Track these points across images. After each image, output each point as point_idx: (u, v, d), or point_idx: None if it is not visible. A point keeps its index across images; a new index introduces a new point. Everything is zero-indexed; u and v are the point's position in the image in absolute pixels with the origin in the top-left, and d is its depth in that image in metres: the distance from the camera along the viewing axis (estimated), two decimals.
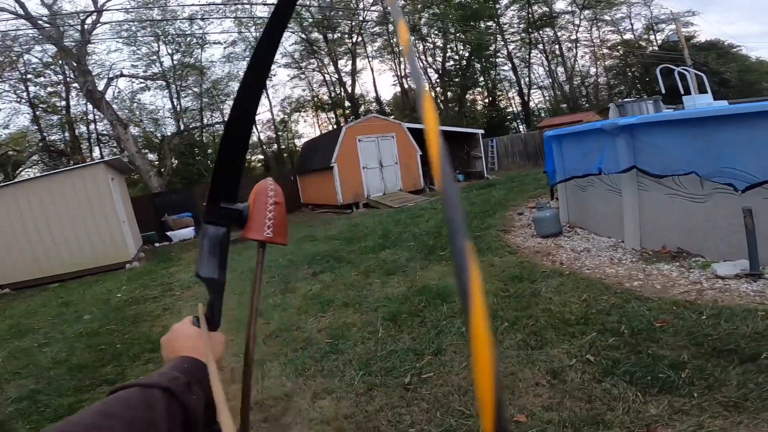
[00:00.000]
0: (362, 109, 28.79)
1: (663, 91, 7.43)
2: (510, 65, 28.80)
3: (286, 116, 29.17)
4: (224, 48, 24.35)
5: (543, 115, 29.59)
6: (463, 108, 28.05)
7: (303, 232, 10.17)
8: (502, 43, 28.06)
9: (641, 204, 4.72)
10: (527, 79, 29.40)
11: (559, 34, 28.04)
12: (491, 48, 27.61)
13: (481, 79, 28.84)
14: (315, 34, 26.94)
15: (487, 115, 27.26)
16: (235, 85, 25.53)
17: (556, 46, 28.44)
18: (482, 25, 26.62)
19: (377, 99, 30.03)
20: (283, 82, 35.67)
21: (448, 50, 27.73)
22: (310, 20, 25.81)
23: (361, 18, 26.17)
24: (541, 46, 28.52)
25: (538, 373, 2.66)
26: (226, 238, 0.65)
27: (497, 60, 28.29)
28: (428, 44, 28.32)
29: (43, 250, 8.81)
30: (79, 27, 15.96)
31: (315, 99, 29.15)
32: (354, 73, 27.80)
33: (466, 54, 27.71)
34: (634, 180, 4.68)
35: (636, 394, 2.28)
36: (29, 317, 5.93)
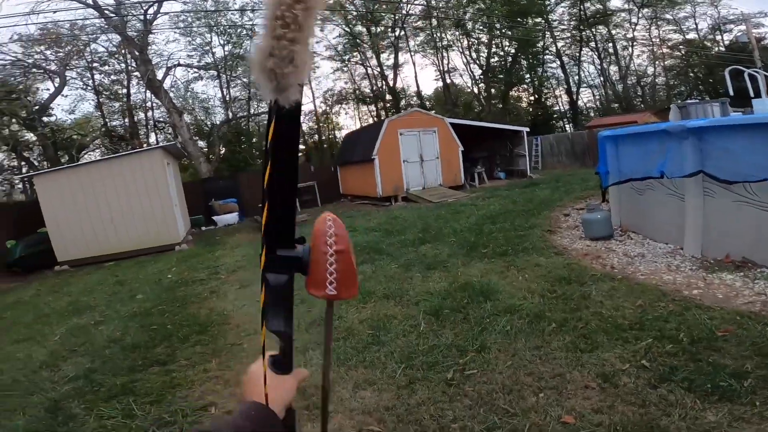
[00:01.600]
0: (403, 102, 28.71)
1: (731, 93, 6.92)
2: (558, 63, 27.76)
3: (328, 108, 29.60)
4: None
5: (592, 114, 28.35)
6: (507, 105, 27.32)
7: (343, 222, 10.28)
8: (551, 40, 27.06)
9: (706, 210, 4.41)
10: (576, 78, 28.22)
11: (613, 32, 26.66)
12: (539, 45, 26.66)
13: (527, 76, 27.94)
14: (359, 27, 27.06)
15: (532, 113, 26.41)
16: None
17: (610, 45, 27.07)
18: (530, 22, 25.71)
19: (418, 93, 29.84)
20: (325, 75, 36.08)
21: (493, 46, 27.03)
22: (354, 13, 25.94)
23: (404, 12, 26.00)
24: (593, 44, 27.23)
25: (588, 375, 2.60)
26: (289, 286, 0.59)
27: (545, 57, 27.29)
28: (473, 40, 27.73)
29: (102, 230, 9.42)
30: (141, 17, 16.83)
31: (356, 92, 29.35)
32: (396, 66, 27.75)
33: (512, 50, 26.92)
34: (700, 185, 4.38)
35: (694, 401, 2.20)
36: (87, 295, 6.32)
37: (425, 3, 25.78)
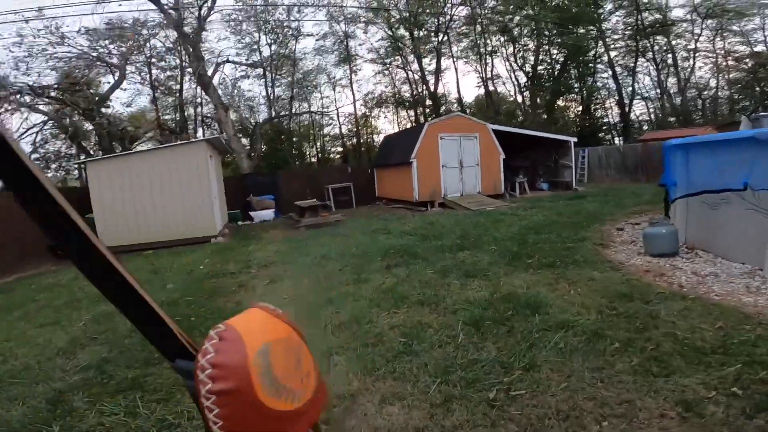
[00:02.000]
0: (443, 108, 28.30)
1: None
2: (611, 73, 26.41)
3: (367, 111, 29.62)
4: (316, 40, 25.38)
5: (645, 128, 26.78)
6: (553, 114, 26.29)
7: (377, 224, 10.05)
8: (603, 49, 25.83)
9: None
10: (630, 89, 26.76)
11: (674, 42, 25.10)
12: (590, 53, 25.50)
13: (576, 85, 26.76)
14: (401, 31, 26.97)
15: (578, 123, 25.19)
16: (323, 78, 26.62)
17: (669, 55, 25.50)
18: (582, 30, 24.63)
19: (459, 100, 29.30)
20: (366, 78, 36.33)
21: (541, 53, 26.12)
22: (397, 17, 25.85)
23: (448, 17, 25.66)
24: (649, 54, 25.76)
25: (665, 403, 2.26)
26: None
27: (596, 66, 26.05)
28: (519, 46, 26.93)
29: (143, 218, 9.63)
30: (196, 13, 17.45)
31: (396, 96, 29.22)
32: (438, 71, 27.38)
33: (561, 58, 25.91)
34: None
35: None
36: None
37: (470, 8, 25.34)
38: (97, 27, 17.08)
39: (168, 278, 6.26)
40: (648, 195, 10.97)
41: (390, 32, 26.50)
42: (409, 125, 30.18)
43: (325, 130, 29.13)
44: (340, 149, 29.49)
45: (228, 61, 20.78)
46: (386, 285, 4.79)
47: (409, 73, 28.01)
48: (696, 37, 24.74)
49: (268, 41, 23.33)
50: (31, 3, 23.37)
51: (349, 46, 26.56)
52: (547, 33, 24.41)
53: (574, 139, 15.16)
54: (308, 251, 7.29)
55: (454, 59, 27.86)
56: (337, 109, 28.01)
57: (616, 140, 27.43)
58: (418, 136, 12.53)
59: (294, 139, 24.86)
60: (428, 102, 28.35)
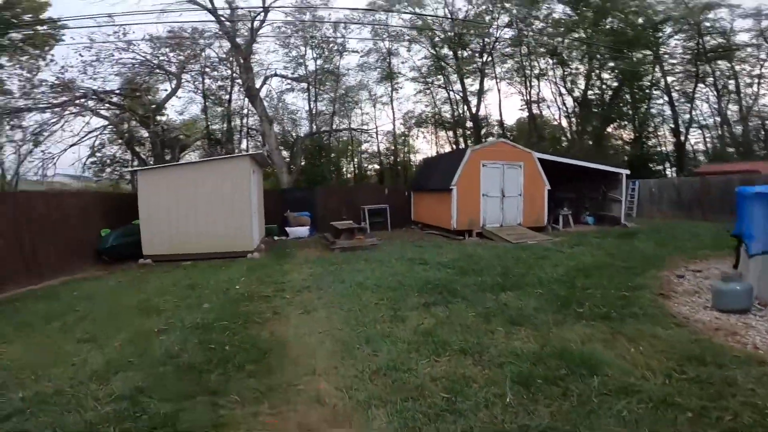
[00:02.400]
0: (484, 131, 27.92)
1: None
2: (666, 99, 25.09)
3: (406, 130, 29.62)
4: (360, 57, 25.79)
5: (702, 158, 25.22)
6: (602, 142, 25.25)
7: (412, 251, 9.81)
8: (660, 74, 24.68)
9: None
10: (687, 116, 25.32)
11: (737, 68, 23.70)
12: (646, 79, 24.40)
13: (629, 112, 25.62)
14: (445, 50, 26.94)
15: (629, 152, 23.99)
16: (364, 95, 26.92)
17: (731, 82, 24.07)
18: (639, 54, 23.66)
19: (500, 122, 28.77)
20: (407, 96, 36.49)
21: (593, 77, 25.25)
22: (442, 36, 25.84)
23: (494, 37, 25.39)
24: (710, 80, 24.41)
25: None
26: None
27: (652, 92, 24.85)
28: (569, 70, 26.21)
29: (185, 229, 9.85)
30: (249, 25, 18.03)
31: (436, 116, 29.10)
32: (481, 93, 27.08)
33: (614, 83, 24.92)
34: None
35: None
36: (159, 296, 6.32)
37: (516, 29, 24.98)
38: (159, 35, 18.00)
39: (205, 296, 6.28)
40: (708, 237, 10.16)
41: (433, 51, 26.57)
42: (447, 146, 29.94)
43: (363, 147, 29.38)
44: (376, 167, 29.58)
45: (276, 75, 21.37)
46: (425, 326, 4.53)
47: (451, 93, 27.92)
48: (762, 63, 23.28)
49: (314, 56, 23.99)
50: (102, 8, 24.98)
51: (391, 63, 26.87)
52: (599, 56, 23.59)
53: (626, 172, 14.37)
54: (343, 277, 7.15)
55: (498, 80, 27.56)
56: (376, 126, 28.24)
57: (669, 171, 26.01)
58: (459, 162, 12.26)
59: (332, 155, 25.15)
60: (468, 123, 28.09)
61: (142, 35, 21.51)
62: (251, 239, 10.17)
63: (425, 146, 33.51)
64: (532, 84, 27.26)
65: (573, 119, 26.51)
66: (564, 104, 27.11)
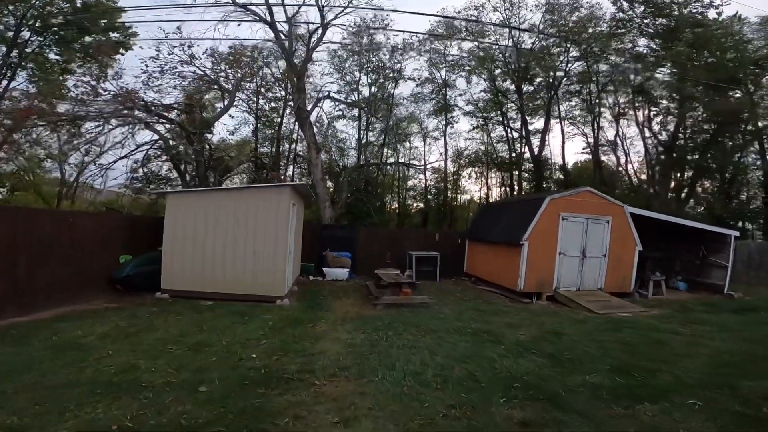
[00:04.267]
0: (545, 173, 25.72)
1: None
2: (758, 146, 21.56)
3: (458, 168, 27.82)
4: (416, 85, 24.71)
5: None
6: (692, 195, 22.12)
7: (474, 319, 7.88)
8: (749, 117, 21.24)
9: None
10: None
11: None
12: (744, 123, 21.02)
13: (723, 161, 22.08)
14: (506, 84, 25.32)
15: (720, 208, 20.60)
16: (414, 128, 25.61)
17: None
18: (738, 94, 20.53)
19: (563, 166, 26.41)
20: (459, 132, 34.80)
21: (687, 119, 22.18)
22: (504, 69, 24.30)
23: (563, 71, 23.47)
24: None
25: None
26: None
27: (746, 139, 21.38)
28: (655, 110, 23.10)
29: (210, 263, 8.54)
30: (306, 39, 17.30)
31: (492, 155, 27.23)
32: (545, 132, 25.07)
33: (710, 127, 21.60)
34: None
35: None
36: (152, 358, 4.88)
37: (585, 64, 22.90)
38: (219, 50, 17.62)
39: (209, 368, 4.71)
40: None
41: (493, 84, 25.04)
42: (498, 188, 27.80)
43: (409, 183, 27.88)
44: (420, 205, 27.80)
45: (329, 96, 20.46)
46: None
47: (509, 130, 26.10)
48: None
49: (369, 81, 23.15)
50: (169, 16, 25.41)
51: (447, 95, 25.59)
52: (694, 94, 20.58)
53: (735, 233, 11.85)
54: (392, 357, 5.37)
55: (562, 120, 25.49)
56: (425, 162, 26.65)
57: (758, 233, 22.34)
58: (534, 212, 10.24)
59: (378, 190, 23.67)
60: (527, 165, 25.98)
61: (204, 49, 21.49)
62: (283, 284, 8.66)
63: (474, 187, 31.57)
64: (601, 125, 24.90)
65: (655, 167, 23.45)
66: (646, 149, 24.01)
